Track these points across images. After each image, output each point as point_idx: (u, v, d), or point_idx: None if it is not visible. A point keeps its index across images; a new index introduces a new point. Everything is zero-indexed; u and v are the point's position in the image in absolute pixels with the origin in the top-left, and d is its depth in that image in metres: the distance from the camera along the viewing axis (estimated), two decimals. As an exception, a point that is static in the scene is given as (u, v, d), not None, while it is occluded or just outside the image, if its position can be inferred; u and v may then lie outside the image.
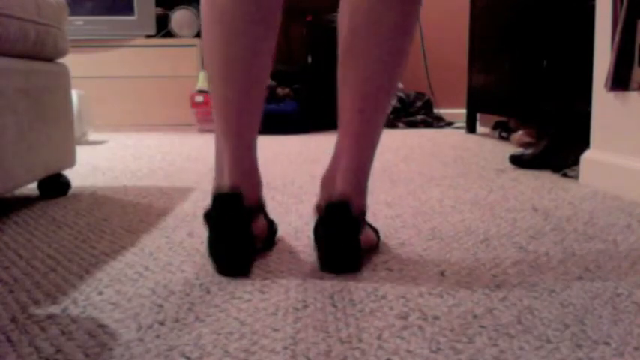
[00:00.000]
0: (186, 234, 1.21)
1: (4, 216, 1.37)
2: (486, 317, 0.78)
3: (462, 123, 3.71)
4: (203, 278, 0.94)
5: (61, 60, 1.64)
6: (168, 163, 2.24)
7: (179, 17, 3.66)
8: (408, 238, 1.18)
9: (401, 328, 0.75)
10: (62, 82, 1.60)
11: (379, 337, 0.72)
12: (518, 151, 2.19)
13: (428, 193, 1.63)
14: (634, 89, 1.55)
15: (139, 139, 3.20)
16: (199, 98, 3.45)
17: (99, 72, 3.59)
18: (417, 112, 3.84)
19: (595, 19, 1.71)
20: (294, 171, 2.02)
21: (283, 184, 1.77)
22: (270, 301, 0.84)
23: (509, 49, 2.76)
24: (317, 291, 0.88)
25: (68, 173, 1.85)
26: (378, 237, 1.11)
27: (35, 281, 0.93)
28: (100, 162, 2.30)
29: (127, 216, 1.36)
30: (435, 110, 3.93)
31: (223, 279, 0.93)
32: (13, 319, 0.78)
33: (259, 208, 1.07)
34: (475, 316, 0.79)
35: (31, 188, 1.69)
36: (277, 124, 3.27)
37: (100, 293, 0.87)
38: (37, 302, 0.84)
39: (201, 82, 3.49)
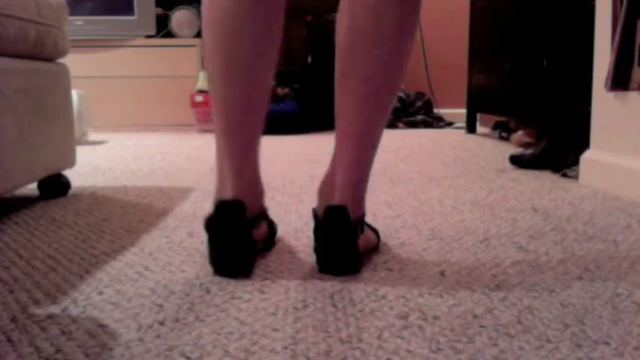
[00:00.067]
0: (186, 234, 1.21)
1: (4, 216, 1.37)
2: (486, 317, 0.78)
3: (462, 123, 3.71)
4: (203, 278, 0.94)
5: (61, 60, 1.64)
6: (168, 163, 2.24)
7: (179, 17, 3.66)
8: (408, 238, 1.18)
9: (401, 328, 0.75)
10: (62, 82, 1.60)
11: (379, 337, 0.72)
12: (518, 151, 2.19)
13: (428, 193, 1.63)
14: (634, 89, 1.55)
15: (139, 139, 3.20)
16: (199, 98, 3.45)
17: (99, 72, 3.59)
18: (417, 112, 3.84)
19: (595, 19, 1.71)
20: (294, 171, 2.02)
21: (283, 184, 1.77)
22: (270, 301, 0.84)
23: (509, 49, 2.76)
24: (317, 291, 0.88)
25: (68, 173, 1.85)
26: (378, 237, 1.11)
27: (35, 281, 0.93)
28: (100, 162, 2.30)
29: (127, 216, 1.36)
30: (435, 110, 3.93)
31: (223, 279, 0.93)
32: (13, 319, 0.78)
33: (262, 216, 1.06)
34: (475, 316, 0.79)
35: (31, 188, 1.69)
36: (277, 124, 3.26)
37: (100, 293, 0.87)
38: (37, 302, 0.84)
39: (201, 82, 3.49)
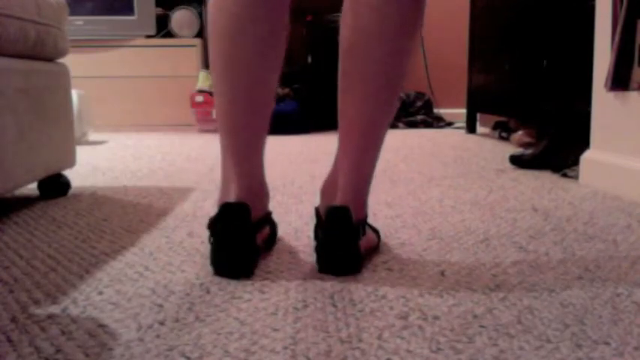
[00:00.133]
0: (186, 234, 1.21)
1: (4, 216, 1.37)
2: (486, 317, 0.78)
3: (462, 123, 3.71)
4: (203, 278, 0.94)
5: (61, 60, 1.64)
6: (168, 163, 2.24)
7: (179, 17, 3.66)
8: (408, 238, 1.18)
9: (401, 328, 0.75)
10: (62, 82, 1.60)
11: (379, 337, 0.72)
12: (518, 151, 2.19)
13: (428, 193, 1.63)
14: (634, 89, 1.55)
15: (139, 139, 3.20)
16: (199, 98, 3.45)
17: (99, 72, 3.59)
18: (417, 112, 3.84)
19: (595, 19, 1.71)
20: (294, 171, 2.02)
21: (283, 184, 1.77)
22: (270, 301, 0.84)
23: (509, 49, 2.76)
24: (317, 291, 0.88)
25: (68, 173, 1.85)
26: (379, 237, 1.11)
27: (35, 281, 0.93)
28: (100, 162, 2.30)
29: (127, 216, 1.36)
30: (435, 110, 3.93)
31: (223, 279, 0.93)
32: (13, 319, 0.78)
33: (266, 219, 1.06)
34: (475, 316, 0.79)
35: (31, 188, 1.69)
36: (277, 124, 3.24)
37: (100, 293, 0.87)
38: (37, 302, 0.84)
39: (201, 82, 3.49)
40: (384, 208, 1.44)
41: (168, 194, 1.63)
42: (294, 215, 1.37)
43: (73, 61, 3.35)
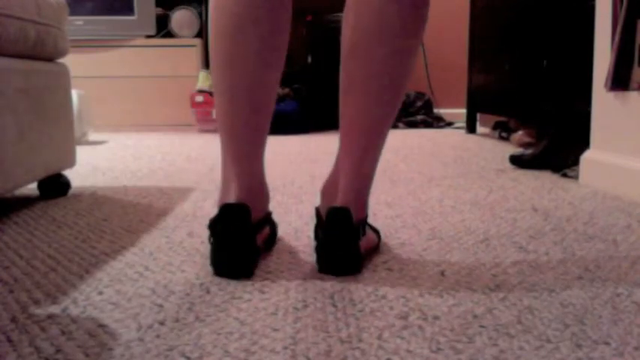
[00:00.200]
0: (186, 234, 1.21)
1: (4, 216, 1.37)
2: (486, 317, 0.78)
3: (462, 123, 3.71)
4: (203, 278, 0.94)
5: (61, 60, 1.64)
6: (168, 163, 2.24)
7: (179, 17, 3.66)
8: (408, 238, 1.18)
9: (401, 328, 0.75)
10: (62, 82, 1.60)
11: (379, 337, 0.72)
12: (518, 151, 2.19)
13: (428, 193, 1.63)
14: (634, 89, 1.55)
15: (139, 139, 3.20)
16: (199, 98, 3.45)
17: (99, 72, 3.59)
18: (417, 112, 3.84)
19: (595, 19, 1.71)
20: (294, 171, 2.02)
21: (283, 184, 1.77)
22: (270, 301, 0.84)
23: (509, 49, 2.76)
24: (317, 291, 0.88)
25: (68, 173, 1.85)
26: (379, 237, 1.11)
27: (35, 281, 0.93)
28: (100, 162, 2.30)
29: (127, 216, 1.36)
30: (435, 110, 3.93)
31: (223, 279, 0.93)
32: (13, 319, 0.78)
33: (266, 220, 1.06)
34: (475, 316, 0.79)
35: (31, 188, 1.69)
36: (277, 124, 3.25)
37: (100, 293, 0.87)
38: (37, 302, 0.84)
39: (201, 82, 3.49)
40: (384, 208, 1.44)
41: (168, 194, 1.63)
42: (294, 215, 1.37)
43: (73, 61, 3.36)
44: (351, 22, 0.94)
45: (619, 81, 1.57)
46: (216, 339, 0.72)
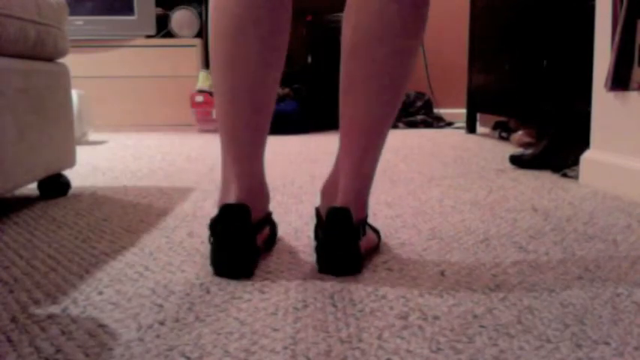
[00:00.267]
0: (186, 234, 1.21)
1: (4, 216, 1.37)
2: (486, 317, 0.78)
3: (462, 123, 3.71)
4: (203, 278, 0.94)
5: (61, 60, 1.64)
6: (168, 163, 2.24)
7: (179, 17, 3.66)
8: (408, 238, 1.18)
9: (401, 328, 0.75)
10: (62, 82, 1.60)
11: (379, 337, 0.72)
12: (518, 151, 2.19)
13: (428, 193, 1.63)
14: (634, 89, 1.55)
15: (139, 139, 3.20)
16: (199, 98, 3.45)
17: (99, 72, 3.59)
18: (417, 112, 3.84)
19: (595, 19, 1.71)
20: (294, 171, 2.02)
21: (283, 184, 1.77)
22: (270, 301, 0.84)
23: (509, 49, 2.76)
24: (317, 291, 0.88)
25: (68, 173, 1.85)
26: (379, 237, 1.11)
27: (35, 281, 0.93)
28: (100, 162, 2.30)
29: (127, 216, 1.36)
30: (435, 110, 3.93)
31: (223, 279, 0.93)
32: (13, 319, 0.78)
33: (266, 220, 1.06)
34: (475, 316, 0.79)
35: (31, 188, 1.69)
36: (277, 124, 3.25)
37: (100, 293, 0.87)
38: (37, 302, 0.84)
39: (201, 82, 3.49)
40: (384, 208, 1.44)
41: (168, 194, 1.63)
42: (294, 215, 1.37)
43: (73, 61, 3.36)
44: (352, 22, 0.93)
45: (619, 81, 1.57)
46: (216, 339, 0.72)
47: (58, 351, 0.69)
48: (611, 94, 1.65)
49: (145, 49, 3.60)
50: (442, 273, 0.96)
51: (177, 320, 0.77)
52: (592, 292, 0.88)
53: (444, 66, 4.09)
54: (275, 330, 0.74)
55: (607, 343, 0.71)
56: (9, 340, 0.71)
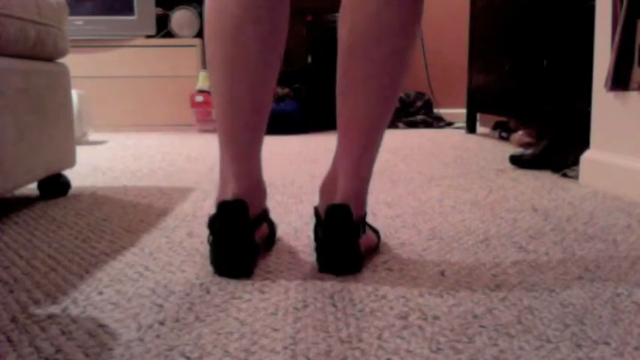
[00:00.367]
0: (186, 234, 1.21)
1: (4, 216, 1.37)
2: (486, 317, 0.78)
3: (462, 123, 3.71)
4: (203, 278, 0.94)
5: (61, 60, 1.64)
6: (168, 163, 2.24)
7: (179, 17, 3.66)
8: (408, 238, 1.18)
9: (401, 328, 0.75)
10: (62, 82, 1.60)
11: (379, 337, 0.72)
12: (518, 151, 2.19)
13: (428, 193, 1.63)
14: (634, 89, 1.55)
15: (139, 139, 3.20)
16: (199, 98, 3.45)
17: (99, 72, 3.59)
18: (417, 112, 3.84)
19: (595, 19, 1.71)
20: (294, 171, 2.02)
21: (283, 184, 1.77)
22: (270, 301, 0.84)
23: (509, 49, 2.76)
24: (317, 291, 0.88)
25: (68, 173, 1.85)
26: (379, 237, 1.11)
27: (35, 281, 0.93)
28: (100, 162, 2.30)
29: (127, 216, 1.36)
30: (435, 110, 3.93)
31: (223, 279, 0.93)
32: (13, 319, 0.78)
33: (263, 216, 1.06)
34: (475, 316, 0.79)
35: (31, 188, 1.69)
36: (277, 124, 3.26)
37: (100, 293, 0.87)
38: (37, 302, 0.84)
39: (201, 82, 3.49)
40: (384, 208, 1.44)
41: (168, 194, 1.63)
42: (294, 215, 1.37)
43: (73, 61, 3.36)
44: (348, 22, 0.93)
45: (619, 81, 1.57)
46: (216, 339, 0.72)
47: (58, 351, 0.69)
48: (611, 94, 1.65)
49: (145, 49, 3.60)
50: (442, 273, 0.96)
51: (177, 320, 0.77)
52: (592, 292, 0.88)
53: (444, 66, 4.09)
54: (275, 330, 0.74)
55: (607, 343, 0.71)
56: (9, 340, 0.71)
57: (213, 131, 3.51)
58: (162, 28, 3.67)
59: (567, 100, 2.14)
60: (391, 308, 0.81)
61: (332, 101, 1.02)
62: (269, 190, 1.64)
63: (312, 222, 1.29)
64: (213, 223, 0.95)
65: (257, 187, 1.03)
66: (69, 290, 0.89)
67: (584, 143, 1.81)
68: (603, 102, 1.69)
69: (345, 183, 0.98)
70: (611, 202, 1.52)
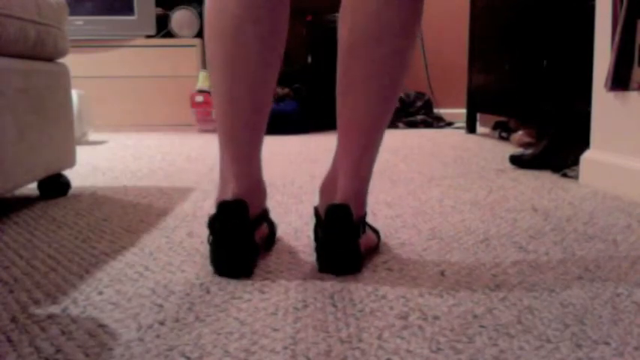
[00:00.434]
0: (186, 234, 1.21)
1: (4, 216, 1.37)
2: (486, 317, 0.78)
3: (462, 123, 3.71)
4: (203, 278, 0.94)
5: (61, 60, 1.64)
6: (168, 163, 2.24)
7: (179, 17, 3.66)
8: (408, 238, 1.18)
9: (401, 328, 0.75)
10: (62, 82, 1.60)
11: (379, 337, 0.72)
12: (518, 151, 2.19)
13: (428, 193, 1.63)
14: (634, 89, 1.55)
15: (139, 139, 3.20)
16: (199, 98, 3.45)
17: (99, 72, 3.59)
18: (417, 112, 3.84)
19: (595, 19, 1.71)
20: (294, 171, 2.02)
21: (283, 184, 1.77)
22: (270, 301, 0.84)
23: (509, 49, 2.76)
24: (317, 291, 0.88)
25: (68, 173, 1.85)
26: (379, 237, 1.11)
27: (35, 281, 0.93)
28: (100, 162, 2.30)
29: (127, 216, 1.36)
30: (435, 110, 3.93)
31: (223, 279, 0.93)
32: (13, 319, 0.78)
33: (263, 216, 1.06)
34: (475, 316, 0.79)
35: (31, 188, 1.69)
36: (277, 124, 3.26)
37: (100, 293, 0.87)
38: (37, 302, 0.84)
39: (201, 82, 3.49)
40: (384, 208, 1.44)
41: (168, 194, 1.63)
42: (294, 215, 1.37)
43: (73, 61, 3.35)
44: (348, 23, 0.93)
45: (619, 81, 1.57)
46: (216, 339, 0.72)
47: (58, 351, 0.69)
48: (611, 94, 1.65)
49: (145, 49, 3.60)
50: (442, 273, 0.96)
51: (177, 320, 0.77)
52: (592, 292, 0.88)
53: (444, 66, 4.09)
54: (275, 330, 0.74)
55: (607, 343, 0.71)
56: (9, 340, 0.71)
57: (213, 131, 3.51)
58: (163, 28, 3.67)
59: (567, 100, 2.14)
60: (391, 308, 0.81)
61: (332, 101, 1.02)
62: (269, 190, 1.64)
63: (312, 222, 1.29)
64: (214, 223, 0.95)
65: (257, 187, 1.03)
66: (69, 290, 0.89)
67: (584, 143, 1.81)
68: (603, 102, 1.69)
69: (345, 183, 0.98)
70: (611, 202, 1.52)
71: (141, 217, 1.35)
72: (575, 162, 1.85)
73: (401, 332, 0.74)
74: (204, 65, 3.65)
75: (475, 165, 2.16)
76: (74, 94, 2.73)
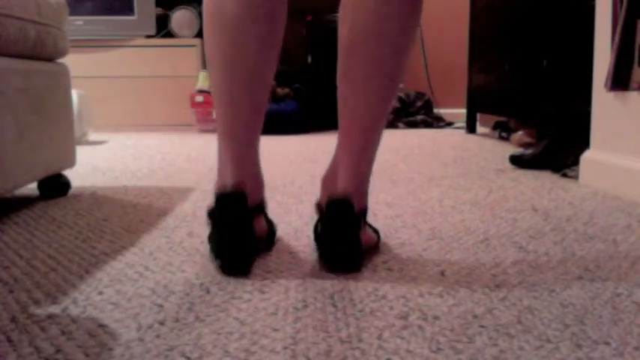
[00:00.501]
0: (186, 234, 1.21)
1: (4, 216, 1.37)
2: (486, 317, 0.78)
3: (462, 123, 3.71)
4: (203, 278, 0.94)
5: (61, 60, 1.64)
6: (168, 163, 2.24)
7: (179, 17, 3.66)
8: (408, 238, 1.18)
9: (401, 328, 0.75)
10: (62, 82, 1.60)
11: (379, 337, 0.72)
12: (518, 151, 2.19)
13: (428, 193, 1.63)
14: (634, 89, 1.55)
15: (139, 139, 3.20)
16: (199, 98, 3.45)
17: (99, 72, 3.59)
18: (417, 112, 3.84)
19: (595, 19, 1.71)
20: (294, 171, 2.02)
21: (283, 184, 1.77)
22: (270, 301, 0.84)
23: (509, 49, 2.76)
24: (317, 291, 0.88)
25: (68, 173, 1.85)
26: (379, 237, 1.11)
27: (35, 281, 0.93)
28: (100, 162, 2.30)
29: (127, 216, 1.36)
30: (435, 110, 3.93)
31: (223, 279, 0.93)
32: (13, 319, 0.78)
33: (261, 207, 1.07)
34: (475, 316, 0.79)
35: (31, 188, 1.69)
36: (277, 124, 3.27)
37: (100, 293, 0.87)
38: (37, 302, 0.84)
39: (201, 82, 3.49)
40: (384, 208, 1.44)
41: (168, 194, 1.63)
42: (294, 215, 1.37)
43: (73, 61, 3.36)
44: (348, 21, 0.94)
45: (619, 81, 1.57)
46: (216, 339, 0.72)
47: (58, 351, 0.69)
48: (611, 94, 1.65)
49: (145, 49, 3.60)
50: (442, 273, 0.96)
51: (177, 320, 0.77)
52: (592, 292, 0.88)
53: (444, 66, 4.09)
54: (275, 330, 0.74)
55: (607, 343, 0.71)
56: (9, 340, 0.71)
57: (213, 131, 3.51)
58: (163, 28, 3.67)
59: (567, 100, 2.14)
60: (391, 308, 0.81)
61: (332, 101, 1.02)
62: (269, 190, 1.65)
63: (312, 222, 1.29)
64: (213, 212, 0.96)
65: (255, 176, 1.05)
66: (69, 290, 0.89)
67: (584, 143, 1.81)
68: (603, 102, 1.69)
69: (346, 175, 0.99)
70: (611, 202, 1.52)
71: (141, 217, 1.35)
72: (575, 162, 1.85)
73: (401, 332, 0.74)
74: (204, 65, 3.65)
75: (475, 165, 2.16)
76: (74, 94, 2.73)
